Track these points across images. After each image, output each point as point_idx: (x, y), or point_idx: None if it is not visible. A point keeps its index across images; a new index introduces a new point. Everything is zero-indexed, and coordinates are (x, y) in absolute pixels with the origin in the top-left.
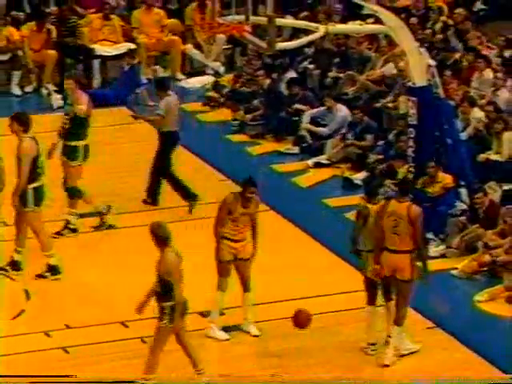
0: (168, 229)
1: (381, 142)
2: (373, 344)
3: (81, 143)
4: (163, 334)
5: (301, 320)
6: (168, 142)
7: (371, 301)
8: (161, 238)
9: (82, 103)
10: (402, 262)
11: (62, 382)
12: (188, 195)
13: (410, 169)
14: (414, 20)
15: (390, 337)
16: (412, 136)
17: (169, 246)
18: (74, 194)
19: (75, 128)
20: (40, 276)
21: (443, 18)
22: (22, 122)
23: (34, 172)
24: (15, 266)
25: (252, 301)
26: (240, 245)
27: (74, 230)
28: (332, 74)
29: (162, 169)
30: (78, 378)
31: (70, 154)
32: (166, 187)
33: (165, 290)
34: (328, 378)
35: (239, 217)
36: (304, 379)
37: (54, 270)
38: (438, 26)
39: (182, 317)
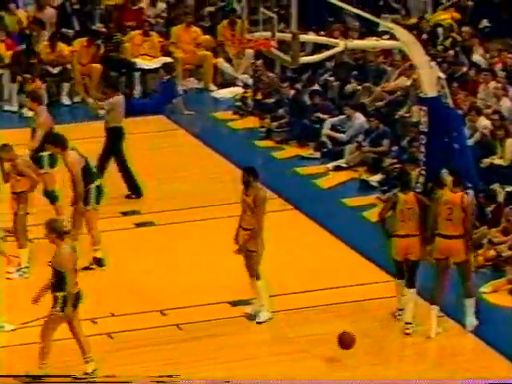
0: (63, 224)
1: (395, 148)
2: (400, 309)
3: (45, 153)
4: (54, 321)
5: (346, 341)
6: (114, 137)
7: (399, 276)
8: (57, 232)
9: (42, 118)
10: (455, 246)
11: (63, 381)
12: (135, 189)
13: (422, 172)
14: (424, 36)
15: (401, 310)
16: (423, 142)
17: (64, 240)
18: (53, 198)
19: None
20: (87, 268)
21: (452, 35)
22: (58, 144)
23: (90, 174)
24: (99, 263)
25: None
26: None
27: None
28: (351, 85)
29: (114, 161)
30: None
31: (37, 162)
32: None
33: (58, 280)
34: None
35: (243, 204)
36: None
37: (99, 262)
38: (448, 42)
39: (74, 307)
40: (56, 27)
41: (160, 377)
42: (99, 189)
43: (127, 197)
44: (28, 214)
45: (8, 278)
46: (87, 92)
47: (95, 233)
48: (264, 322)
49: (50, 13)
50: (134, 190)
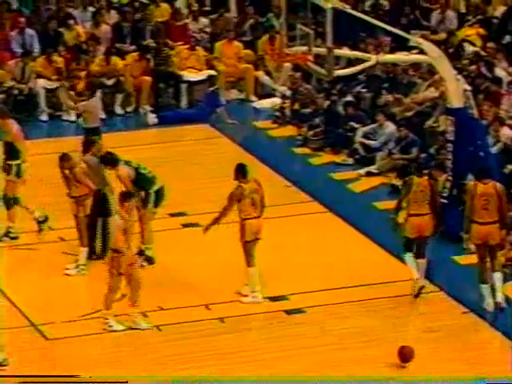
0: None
1: (423, 155)
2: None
3: (14, 162)
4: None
5: (405, 355)
6: (91, 135)
7: (409, 249)
8: None
9: (8, 131)
10: (492, 230)
11: (64, 382)
12: None
13: (448, 177)
14: (451, 51)
15: (423, 287)
16: (450, 150)
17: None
18: (9, 203)
19: (8, 151)
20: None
21: (477, 50)
22: (110, 164)
23: (146, 180)
24: (150, 260)
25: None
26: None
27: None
28: (383, 97)
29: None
30: (78, 379)
31: (6, 170)
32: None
33: None
34: None
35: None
36: None
37: (150, 260)
38: (472, 56)
39: None
40: (110, 43)
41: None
42: (159, 193)
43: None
44: (87, 216)
45: (66, 274)
46: (138, 103)
47: (147, 233)
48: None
49: (105, 29)
50: None
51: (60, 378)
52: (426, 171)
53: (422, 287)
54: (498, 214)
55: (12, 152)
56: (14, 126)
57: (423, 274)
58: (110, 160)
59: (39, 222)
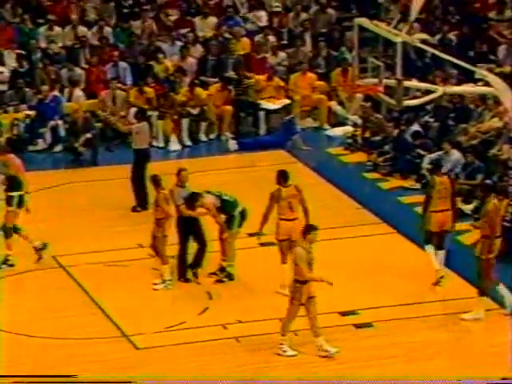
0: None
1: (488, 181)
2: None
3: (15, 193)
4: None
5: None
6: (139, 157)
7: (429, 242)
8: None
9: (11, 165)
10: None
11: (64, 382)
12: (143, 202)
13: (510, 202)
14: None
15: (442, 277)
16: None
17: None
18: (8, 233)
19: (10, 183)
20: (219, 281)
21: None
22: (194, 201)
23: (230, 204)
24: (230, 276)
25: None
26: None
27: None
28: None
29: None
30: (79, 378)
31: (7, 201)
32: None
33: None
34: None
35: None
36: None
37: (230, 276)
38: None
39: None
40: (195, 74)
41: None
42: (242, 214)
43: (133, 210)
44: (166, 236)
45: (155, 289)
46: (220, 130)
47: (231, 251)
48: None
49: (191, 62)
50: (142, 203)
51: (59, 378)
52: (445, 173)
53: (442, 277)
54: None
55: (14, 184)
56: (15, 160)
57: (443, 264)
58: (194, 199)
59: (38, 250)
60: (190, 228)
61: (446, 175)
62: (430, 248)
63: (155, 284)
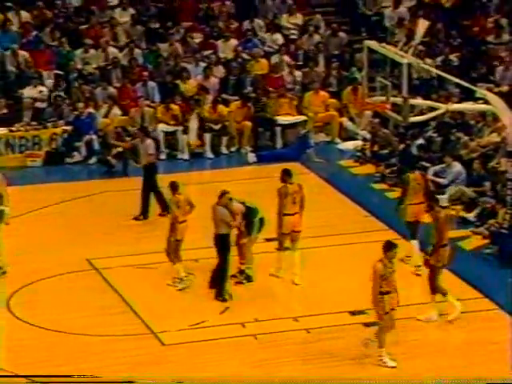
0: None
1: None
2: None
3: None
4: None
5: None
6: (149, 171)
7: (414, 237)
8: None
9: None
10: None
11: (65, 382)
12: (165, 207)
13: (508, 211)
14: None
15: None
16: (510, 187)
17: None
18: None
19: None
20: (239, 283)
21: None
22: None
23: (251, 212)
24: (249, 278)
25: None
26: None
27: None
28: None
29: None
30: (79, 378)
31: None
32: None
33: None
34: None
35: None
36: None
37: (249, 278)
38: None
39: None
40: (218, 93)
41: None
42: (262, 221)
43: (135, 218)
44: (178, 240)
45: (179, 290)
46: (240, 144)
47: (249, 255)
48: None
49: (213, 81)
50: (165, 207)
51: (60, 377)
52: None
53: (420, 265)
54: None
55: None
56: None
57: (418, 251)
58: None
59: None
60: (228, 245)
61: (418, 171)
62: (414, 243)
63: (175, 285)
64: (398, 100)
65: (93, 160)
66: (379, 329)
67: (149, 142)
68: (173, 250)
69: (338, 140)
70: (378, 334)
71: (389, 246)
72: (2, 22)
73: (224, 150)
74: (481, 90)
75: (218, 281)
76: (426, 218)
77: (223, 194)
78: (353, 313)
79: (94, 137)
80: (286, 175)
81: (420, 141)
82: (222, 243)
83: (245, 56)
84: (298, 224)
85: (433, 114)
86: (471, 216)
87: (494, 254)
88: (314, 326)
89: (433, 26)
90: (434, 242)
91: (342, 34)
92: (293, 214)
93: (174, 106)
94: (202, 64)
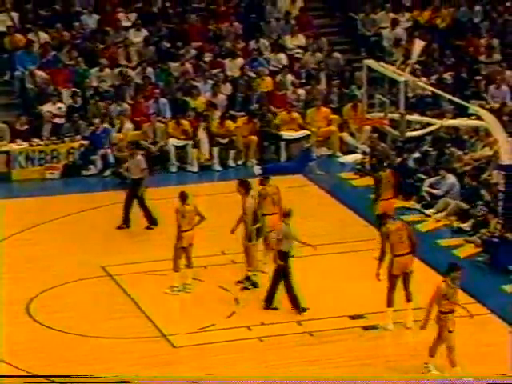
0: None
1: (479, 202)
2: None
3: None
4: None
5: None
6: (138, 185)
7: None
8: None
9: None
10: None
11: (66, 382)
12: (152, 220)
13: (499, 221)
14: (505, 118)
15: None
16: (501, 198)
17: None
18: None
19: None
20: (245, 288)
21: None
22: (245, 187)
23: (257, 217)
24: (255, 284)
25: None
26: None
27: None
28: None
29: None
30: (95, 378)
31: None
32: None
33: None
34: None
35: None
36: None
37: (255, 284)
38: None
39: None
40: (225, 109)
41: None
42: (260, 229)
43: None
44: (182, 248)
45: (168, 293)
46: (247, 157)
47: (253, 261)
48: None
49: (221, 98)
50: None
51: (60, 377)
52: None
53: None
54: None
55: None
56: None
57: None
58: (247, 185)
59: None
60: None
61: (389, 169)
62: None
63: (172, 289)
64: (396, 116)
65: (107, 172)
66: (448, 350)
67: (139, 157)
68: (174, 257)
69: (338, 154)
70: (448, 355)
71: (453, 268)
72: (25, 43)
73: (231, 163)
74: (474, 107)
75: (291, 296)
76: (392, 212)
77: (288, 212)
78: (352, 317)
79: (109, 151)
80: (264, 180)
81: (416, 154)
82: (283, 260)
83: (251, 74)
84: (278, 223)
85: (429, 129)
86: (466, 226)
87: (486, 262)
88: (316, 330)
89: (428, 46)
90: (391, 253)
91: (336, 54)
92: (272, 214)
93: (185, 122)
94: (211, 82)
